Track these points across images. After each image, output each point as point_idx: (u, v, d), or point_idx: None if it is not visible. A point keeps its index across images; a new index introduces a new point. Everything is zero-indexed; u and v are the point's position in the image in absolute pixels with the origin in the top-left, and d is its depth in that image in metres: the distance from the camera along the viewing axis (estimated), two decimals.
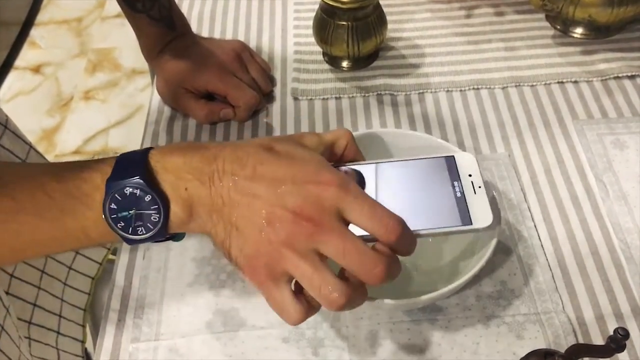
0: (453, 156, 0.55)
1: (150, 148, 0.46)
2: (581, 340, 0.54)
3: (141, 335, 0.57)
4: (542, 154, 0.68)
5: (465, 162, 0.55)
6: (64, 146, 1.91)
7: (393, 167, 0.55)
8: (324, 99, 0.76)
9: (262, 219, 0.43)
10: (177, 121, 0.76)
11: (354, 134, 0.62)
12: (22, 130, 0.83)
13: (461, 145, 0.69)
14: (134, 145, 0.74)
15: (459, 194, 0.53)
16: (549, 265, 0.59)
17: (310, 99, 0.76)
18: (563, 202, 0.64)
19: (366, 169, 0.55)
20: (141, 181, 0.43)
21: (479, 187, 0.53)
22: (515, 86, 0.75)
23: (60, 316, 0.87)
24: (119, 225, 0.44)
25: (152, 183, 0.44)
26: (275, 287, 0.43)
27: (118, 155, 0.46)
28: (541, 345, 0.54)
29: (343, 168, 0.54)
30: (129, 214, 0.44)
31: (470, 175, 0.54)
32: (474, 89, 0.75)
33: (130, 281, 0.61)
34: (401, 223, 0.45)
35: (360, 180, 0.54)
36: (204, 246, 0.63)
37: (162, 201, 0.44)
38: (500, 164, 0.67)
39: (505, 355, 0.54)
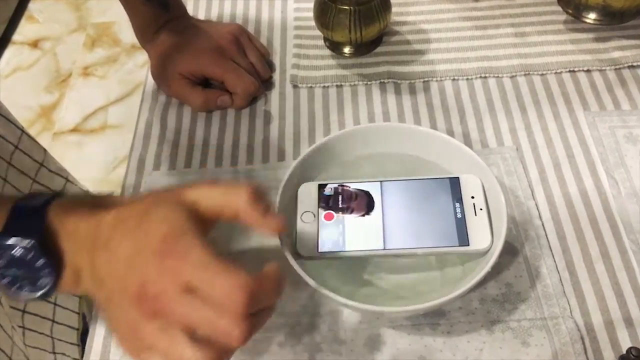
0: (458, 177, 0.56)
1: (53, 198, 0.44)
2: (589, 348, 0.52)
3: None
4: (552, 148, 0.65)
5: (470, 184, 0.56)
6: (63, 123, 1.88)
7: (398, 186, 0.56)
8: (324, 86, 0.73)
9: (120, 295, 0.40)
10: (171, 108, 0.73)
11: (357, 127, 0.60)
12: (20, 107, 0.81)
13: (467, 138, 0.67)
14: (133, 123, 0.71)
15: (459, 215, 0.54)
16: (557, 267, 0.57)
17: (310, 87, 0.73)
18: (572, 200, 0.61)
19: (372, 187, 0.55)
20: (36, 245, 0.41)
21: (480, 209, 0.54)
22: (525, 75, 0.72)
23: (55, 304, 0.85)
24: (3, 281, 0.42)
25: (47, 247, 0.42)
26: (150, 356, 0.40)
27: (17, 198, 0.44)
28: (547, 353, 0.52)
29: (352, 186, 0.54)
30: (17, 273, 0.42)
31: (472, 197, 0.55)
32: (481, 77, 0.72)
33: None
34: (241, 303, 0.38)
35: (370, 201, 0.54)
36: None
37: (55, 267, 0.42)
38: (507, 158, 0.65)
39: None
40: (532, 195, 0.62)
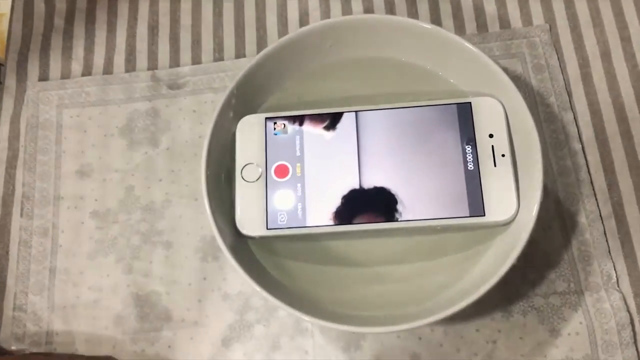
0: (469, 103, 0.37)
1: None
2: None
3: (25, 337, 0.41)
4: (599, 27, 0.46)
5: (487, 113, 0.37)
6: None
7: (381, 118, 0.38)
8: None
9: None
10: None
11: (325, 22, 0.40)
12: None
13: (480, 13, 0.47)
14: None
15: (471, 166, 0.36)
16: (600, 214, 0.41)
17: None
18: (625, 109, 0.44)
19: (344, 120, 0.38)
20: None
21: (503, 155, 0.36)
22: None
23: None
24: None
25: None
26: None
27: None
28: (584, 344, 0.38)
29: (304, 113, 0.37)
30: None
31: (491, 136, 0.37)
32: None
33: (6, 249, 0.43)
34: None
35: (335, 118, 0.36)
36: (107, 192, 0.44)
37: None
38: (536, 44, 0.46)
39: None
40: (570, 102, 0.44)
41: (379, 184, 0.36)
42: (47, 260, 0.42)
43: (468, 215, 0.35)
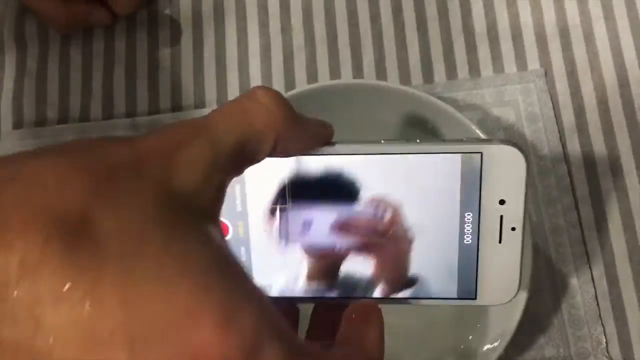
0: (480, 153, 0.29)
1: None
2: None
3: None
4: (596, 72, 0.44)
5: (501, 169, 0.29)
6: None
7: (359, 165, 0.30)
8: None
9: None
10: (30, 19, 0.48)
11: (313, 86, 0.38)
12: None
13: (472, 54, 0.45)
14: None
15: (468, 240, 0.30)
16: (592, 276, 0.40)
17: None
18: (622, 163, 0.42)
19: (309, 166, 0.30)
20: None
21: (513, 228, 0.30)
22: None
23: None
24: None
25: None
26: None
27: None
28: None
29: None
30: None
31: (502, 203, 0.30)
32: None
33: None
34: None
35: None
36: None
37: None
38: (530, 90, 0.44)
39: None
40: (565, 155, 0.43)
41: (345, 247, 0.31)
42: None
43: (455, 297, 0.34)
